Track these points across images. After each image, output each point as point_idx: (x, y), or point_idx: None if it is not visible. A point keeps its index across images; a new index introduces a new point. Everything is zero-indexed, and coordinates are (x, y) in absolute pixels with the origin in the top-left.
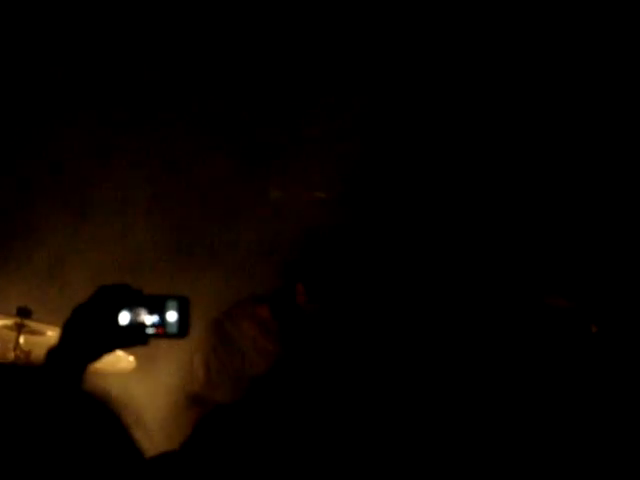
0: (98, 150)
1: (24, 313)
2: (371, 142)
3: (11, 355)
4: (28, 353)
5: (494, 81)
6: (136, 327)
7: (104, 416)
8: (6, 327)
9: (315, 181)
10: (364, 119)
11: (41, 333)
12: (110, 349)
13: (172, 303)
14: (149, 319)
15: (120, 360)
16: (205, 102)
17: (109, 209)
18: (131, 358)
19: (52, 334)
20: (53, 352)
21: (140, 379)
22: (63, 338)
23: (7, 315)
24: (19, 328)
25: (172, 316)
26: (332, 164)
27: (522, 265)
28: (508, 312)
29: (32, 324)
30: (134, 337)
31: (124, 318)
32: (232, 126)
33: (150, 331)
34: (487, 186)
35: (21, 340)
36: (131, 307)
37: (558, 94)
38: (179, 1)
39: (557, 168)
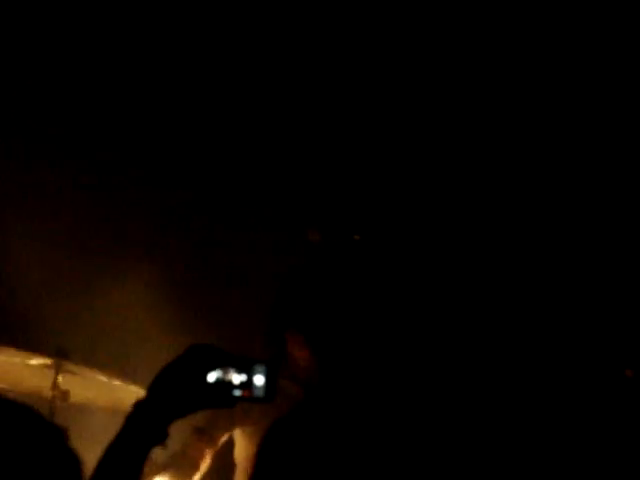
0: None
1: (62, 353)
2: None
3: (49, 394)
4: (66, 393)
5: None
6: (224, 386)
7: None
8: (45, 366)
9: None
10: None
11: (78, 374)
12: (197, 408)
13: (260, 367)
14: (237, 378)
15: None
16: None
17: None
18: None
19: (90, 375)
20: (140, 405)
21: None
22: (151, 393)
23: (45, 354)
24: (57, 367)
25: (259, 380)
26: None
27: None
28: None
29: (70, 364)
30: (221, 398)
31: (212, 376)
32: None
33: (237, 393)
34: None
35: (59, 379)
36: (221, 366)
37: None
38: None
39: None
